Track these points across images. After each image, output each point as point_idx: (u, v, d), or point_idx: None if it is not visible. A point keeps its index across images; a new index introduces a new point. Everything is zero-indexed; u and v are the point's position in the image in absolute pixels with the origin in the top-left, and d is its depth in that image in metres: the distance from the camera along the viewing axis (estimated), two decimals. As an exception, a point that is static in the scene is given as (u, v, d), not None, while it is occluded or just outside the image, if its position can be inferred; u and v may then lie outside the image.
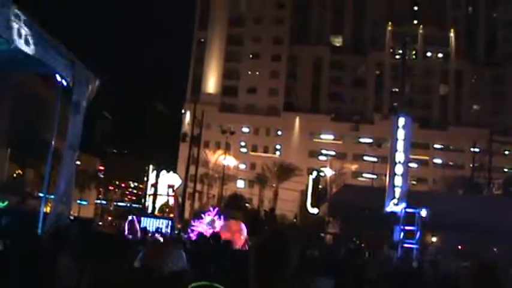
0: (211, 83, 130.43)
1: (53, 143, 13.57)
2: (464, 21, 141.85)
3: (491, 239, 34.55)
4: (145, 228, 43.11)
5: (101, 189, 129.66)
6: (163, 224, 52.83)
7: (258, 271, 3.85)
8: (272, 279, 3.81)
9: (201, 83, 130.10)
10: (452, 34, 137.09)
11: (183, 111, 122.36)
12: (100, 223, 67.98)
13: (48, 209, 15.93)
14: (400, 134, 39.30)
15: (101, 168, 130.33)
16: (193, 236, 30.27)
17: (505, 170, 71.80)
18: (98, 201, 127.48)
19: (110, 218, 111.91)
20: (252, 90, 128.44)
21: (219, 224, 32.79)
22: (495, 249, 31.95)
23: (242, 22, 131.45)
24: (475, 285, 4.70)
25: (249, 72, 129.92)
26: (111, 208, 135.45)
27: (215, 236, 19.43)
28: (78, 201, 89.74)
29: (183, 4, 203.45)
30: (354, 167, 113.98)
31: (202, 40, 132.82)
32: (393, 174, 38.88)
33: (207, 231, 29.59)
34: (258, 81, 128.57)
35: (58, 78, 12.59)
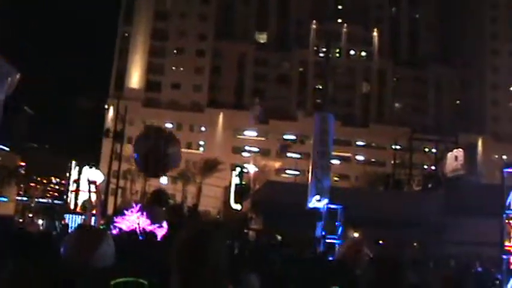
0: (135, 78, 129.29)
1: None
2: (388, 21, 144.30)
3: (412, 234, 35.25)
4: (67, 224, 42.53)
5: (21, 185, 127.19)
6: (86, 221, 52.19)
7: (179, 269, 3.78)
8: (193, 277, 3.74)
9: (125, 77, 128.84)
10: (375, 33, 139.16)
11: (106, 106, 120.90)
12: (21, 220, 66.79)
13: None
14: (323, 131, 39.66)
15: (22, 164, 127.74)
16: (115, 232, 29.96)
17: (425, 166, 73.22)
18: (19, 198, 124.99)
19: (30, 215, 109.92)
20: (176, 85, 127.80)
21: (142, 221, 32.38)
22: (415, 244, 32.62)
23: (167, 17, 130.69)
24: (376, 280, 4.70)
25: (174, 68, 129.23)
26: (33, 205, 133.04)
27: (133, 232, 19.26)
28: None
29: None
30: (277, 164, 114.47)
31: (127, 34, 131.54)
32: (316, 171, 39.23)
33: (130, 228, 29.34)
34: (182, 76, 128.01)
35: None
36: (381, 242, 37.42)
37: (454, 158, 51.96)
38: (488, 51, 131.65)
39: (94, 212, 49.18)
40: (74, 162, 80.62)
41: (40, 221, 66.31)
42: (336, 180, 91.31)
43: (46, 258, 5.51)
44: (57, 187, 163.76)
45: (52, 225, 45.94)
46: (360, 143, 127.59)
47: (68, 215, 57.52)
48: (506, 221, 15.09)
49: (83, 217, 51.30)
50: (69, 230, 29.30)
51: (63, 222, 49.30)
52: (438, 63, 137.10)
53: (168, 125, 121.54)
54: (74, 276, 4.41)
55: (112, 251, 4.81)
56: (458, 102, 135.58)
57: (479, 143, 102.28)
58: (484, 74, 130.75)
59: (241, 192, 69.28)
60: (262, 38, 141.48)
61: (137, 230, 26.40)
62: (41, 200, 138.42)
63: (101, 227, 38.03)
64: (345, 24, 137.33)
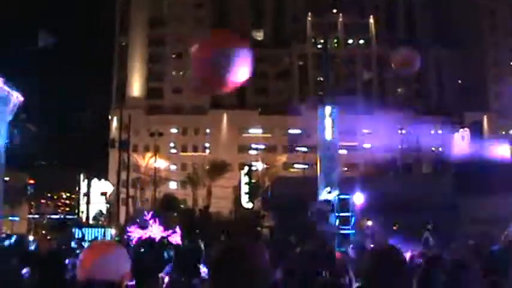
0: (136, 87, 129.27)
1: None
2: (383, 7, 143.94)
3: (424, 217, 35.14)
4: (82, 238, 42.46)
5: (32, 203, 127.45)
6: (99, 233, 52.24)
7: None
8: None
9: (126, 87, 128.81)
10: (371, 20, 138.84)
11: (109, 117, 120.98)
12: (33, 238, 66.64)
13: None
14: (328, 122, 39.62)
15: (31, 181, 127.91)
16: (131, 242, 29.94)
17: (432, 149, 73.08)
18: (31, 216, 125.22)
19: (43, 232, 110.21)
20: (178, 90, 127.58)
21: (156, 228, 32.40)
22: (429, 226, 32.48)
23: (163, 23, 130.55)
24: (374, 271, 4.51)
25: (173, 73, 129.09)
26: (45, 222, 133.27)
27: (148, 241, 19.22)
28: (10, 218, 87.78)
29: (103, 8, 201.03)
30: (283, 158, 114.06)
31: (124, 44, 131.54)
32: (323, 163, 39.19)
33: (143, 236, 29.36)
34: (183, 81, 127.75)
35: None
36: (395, 227, 37.38)
37: (461, 138, 51.86)
38: (487, 29, 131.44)
39: (105, 223, 49.14)
40: (82, 175, 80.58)
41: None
42: (345, 170, 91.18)
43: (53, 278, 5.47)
44: (68, 202, 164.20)
45: (64, 241, 45.95)
46: (365, 130, 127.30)
47: (81, 229, 57.51)
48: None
49: (99, 229, 51.36)
50: (85, 245, 29.28)
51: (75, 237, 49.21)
52: (437, 44, 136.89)
53: (173, 130, 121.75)
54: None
55: (118, 264, 4.61)
56: (460, 81, 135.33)
57: (485, 120, 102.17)
58: (484, 52, 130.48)
59: (252, 190, 69.40)
60: (259, 35, 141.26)
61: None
62: (52, 216, 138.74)
63: (116, 239, 38.10)
64: (341, 14, 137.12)
